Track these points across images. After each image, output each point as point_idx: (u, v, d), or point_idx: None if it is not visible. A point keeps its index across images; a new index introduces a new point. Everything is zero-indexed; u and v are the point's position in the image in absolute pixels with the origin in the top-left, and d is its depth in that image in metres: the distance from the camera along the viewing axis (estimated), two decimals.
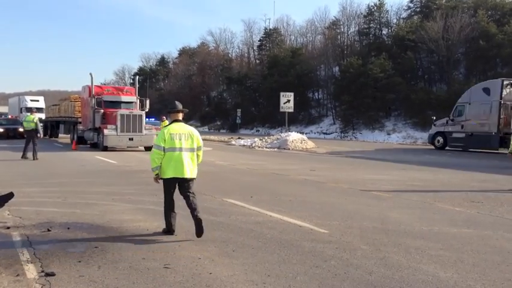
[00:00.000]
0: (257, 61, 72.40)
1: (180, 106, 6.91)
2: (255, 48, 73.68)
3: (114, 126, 22.49)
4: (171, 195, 6.76)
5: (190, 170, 6.65)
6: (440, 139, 27.81)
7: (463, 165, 18.68)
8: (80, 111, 28.16)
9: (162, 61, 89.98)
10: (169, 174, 6.60)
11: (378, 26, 55.90)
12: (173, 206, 6.78)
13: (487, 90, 25.23)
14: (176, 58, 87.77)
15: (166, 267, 5.32)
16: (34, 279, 4.94)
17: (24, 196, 9.45)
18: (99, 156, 20.10)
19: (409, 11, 55.70)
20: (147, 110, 25.53)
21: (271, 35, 69.28)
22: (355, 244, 6.45)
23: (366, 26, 56.22)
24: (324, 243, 6.49)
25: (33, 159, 17.36)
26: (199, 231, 6.49)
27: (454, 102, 27.70)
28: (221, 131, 62.65)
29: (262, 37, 71.14)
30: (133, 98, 25.55)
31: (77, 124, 27.68)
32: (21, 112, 49.18)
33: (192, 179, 6.72)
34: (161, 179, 6.73)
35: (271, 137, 31.13)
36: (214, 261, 5.61)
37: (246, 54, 77.05)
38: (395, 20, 56.76)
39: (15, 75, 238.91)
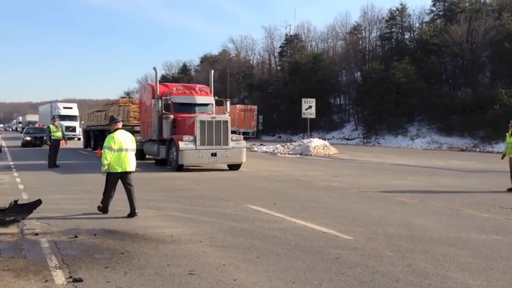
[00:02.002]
0: (278, 67, 72.45)
1: (119, 118, 9.91)
2: (276, 54, 73.74)
3: (191, 138, 16.65)
4: (115, 185, 8.77)
5: (133, 165, 8.91)
6: None
7: (489, 170, 18.31)
8: (137, 117, 22.83)
9: (184, 69, 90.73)
10: (118, 169, 8.64)
11: (400, 31, 55.36)
12: (113, 194, 8.81)
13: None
14: (198, 66, 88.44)
15: (191, 274, 5.34)
16: (62, 284, 5.02)
17: (51, 203, 9.62)
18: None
19: (432, 14, 55.03)
20: (227, 114, 19.40)
21: (292, 41, 69.28)
22: (380, 251, 6.38)
23: (387, 30, 55.75)
24: (349, 250, 6.43)
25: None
26: (132, 215, 8.52)
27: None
28: None
29: (283, 43, 71.19)
30: (211, 99, 19.74)
31: (133, 134, 24.22)
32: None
33: (132, 172, 8.92)
34: (109, 173, 8.70)
35: (293, 143, 31.08)
36: (239, 267, 5.61)
37: (267, 61, 77.18)
38: (417, 24, 56.13)
39: (41, 85, 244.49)
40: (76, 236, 7.02)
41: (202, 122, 16.85)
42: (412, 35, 55.07)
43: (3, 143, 30.28)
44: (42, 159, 20.59)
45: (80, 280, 5.10)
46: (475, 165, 20.87)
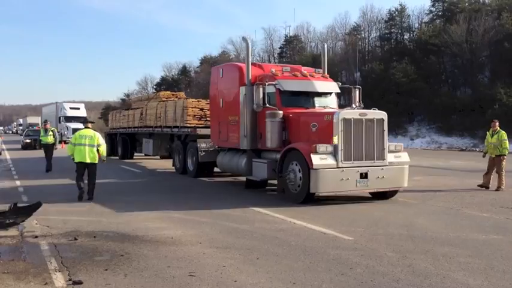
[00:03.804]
0: None
1: (90, 120, 12.66)
2: (275, 55, 73.65)
3: (330, 148, 10.18)
4: (81, 173, 10.84)
5: (90, 158, 10.81)
6: None
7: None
8: (198, 115, 16.32)
9: (184, 70, 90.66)
10: (77, 159, 10.85)
11: (400, 31, 55.36)
12: (82, 179, 10.81)
13: None
14: (197, 67, 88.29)
15: (192, 275, 5.34)
16: (62, 287, 5.01)
17: (51, 205, 9.60)
18: (124, 165, 20.27)
19: (431, 15, 54.96)
20: (356, 106, 12.82)
21: (291, 42, 69.27)
22: (381, 251, 6.37)
23: (387, 31, 55.74)
24: (349, 250, 6.42)
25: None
26: (90, 197, 10.74)
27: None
28: None
29: (282, 44, 71.21)
30: (335, 86, 12.81)
31: (193, 139, 15.67)
32: (59, 122, 43.24)
33: (92, 163, 10.87)
34: (75, 162, 10.89)
35: None
36: (239, 269, 5.60)
37: (266, 62, 77.25)
38: (417, 25, 56.11)
39: (40, 87, 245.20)
40: (76, 239, 7.02)
41: (347, 122, 10.31)
42: (411, 35, 55.12)
43: (3, 146, 30.20)
44: (41, 162, 20.57)
45: (80, 282, 5.09)
46: (475, 165, 20.82)
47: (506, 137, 12.69)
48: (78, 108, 45.53)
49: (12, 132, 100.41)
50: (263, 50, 77.10)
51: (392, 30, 55.46)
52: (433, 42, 45.02)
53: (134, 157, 23.55)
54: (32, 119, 78.21)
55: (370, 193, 11.10)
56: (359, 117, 10.63)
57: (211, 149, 14.62)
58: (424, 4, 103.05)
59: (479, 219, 8.62)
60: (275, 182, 11.65)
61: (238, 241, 6.93)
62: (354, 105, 12.41)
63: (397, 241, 6.93)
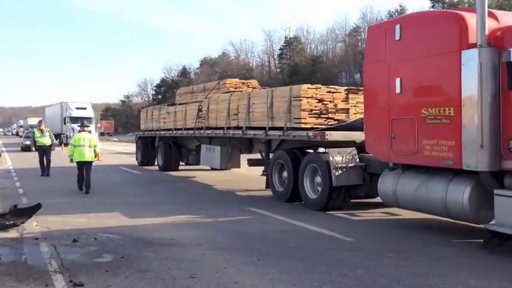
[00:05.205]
0: (278, 70, 72.53)
1: (87, 124, 14.55)
2: (275, 57, 73.80)
3: None
4: (81, 171, 12.36)
5: (89, 156, 12.32)
6: None
7: None
8: (323, 109, 10.39)
9: (184, 72, 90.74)
10: (77, 159, 12.32)
11: None
12: (82, 177, 12.29)
13: None
14: (197, 68, 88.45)
15: (192, 277, 5.33)
16: None
17: (51, 207, 9.57)
18: (125, 167, 20.25)
19: None
20: None
21: (291, 44, 69.33)
22: (381, 252, 6.36)
23: None
24: (349, 251, 6.42)
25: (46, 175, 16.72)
26: (87, 190, 12.09)
27: None
28: None
29: (282, 46, 71.25)
30: None
31: (303, 145, 10.70)
32: (64, 123, 41.01)
33: (90, 162, 12.38)
34: (76, 161, 12.41)
35: None
36: (240, 270, 5.60)
37: (266, 63, 77.23)
38: None
39: (40, 89, 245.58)
40: (76, 240, 7.00)
41: None
42: None
43: (3, 148, 30.16)
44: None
45: (81, 284, 5.08)
46: None
47: None
48: (85, 108, 41.94)
49: (12, 134, 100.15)
50: (263, 52, 77.35)
51: None
52: None
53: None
54: (32, 120, 77.84)
55: None
56: None
57: (350, 165, 9.26)
58: (424, 5, 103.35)
59: None
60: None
61: (239, 242, 6.92)
62: None
63: (398, 242, 6.92)
